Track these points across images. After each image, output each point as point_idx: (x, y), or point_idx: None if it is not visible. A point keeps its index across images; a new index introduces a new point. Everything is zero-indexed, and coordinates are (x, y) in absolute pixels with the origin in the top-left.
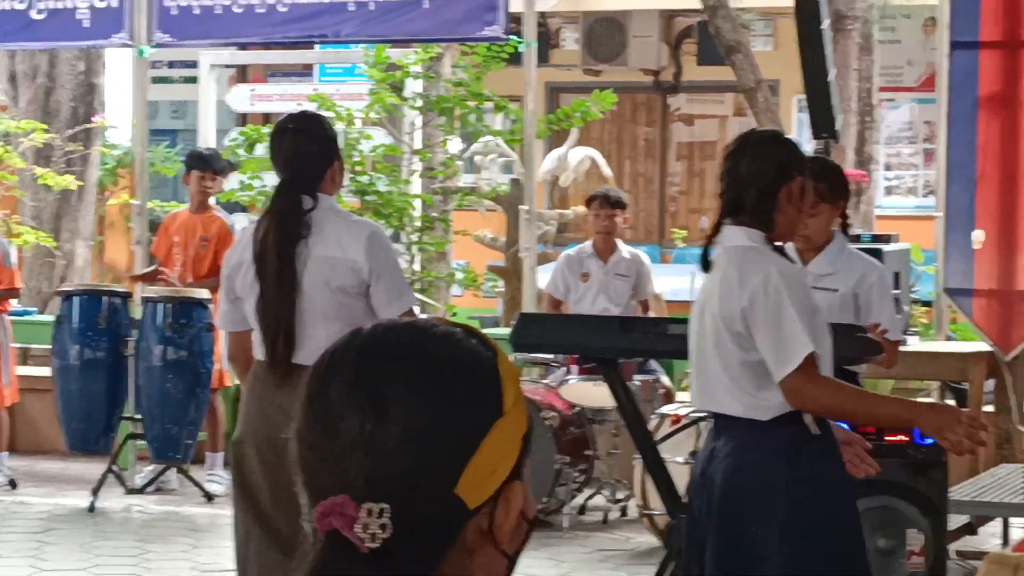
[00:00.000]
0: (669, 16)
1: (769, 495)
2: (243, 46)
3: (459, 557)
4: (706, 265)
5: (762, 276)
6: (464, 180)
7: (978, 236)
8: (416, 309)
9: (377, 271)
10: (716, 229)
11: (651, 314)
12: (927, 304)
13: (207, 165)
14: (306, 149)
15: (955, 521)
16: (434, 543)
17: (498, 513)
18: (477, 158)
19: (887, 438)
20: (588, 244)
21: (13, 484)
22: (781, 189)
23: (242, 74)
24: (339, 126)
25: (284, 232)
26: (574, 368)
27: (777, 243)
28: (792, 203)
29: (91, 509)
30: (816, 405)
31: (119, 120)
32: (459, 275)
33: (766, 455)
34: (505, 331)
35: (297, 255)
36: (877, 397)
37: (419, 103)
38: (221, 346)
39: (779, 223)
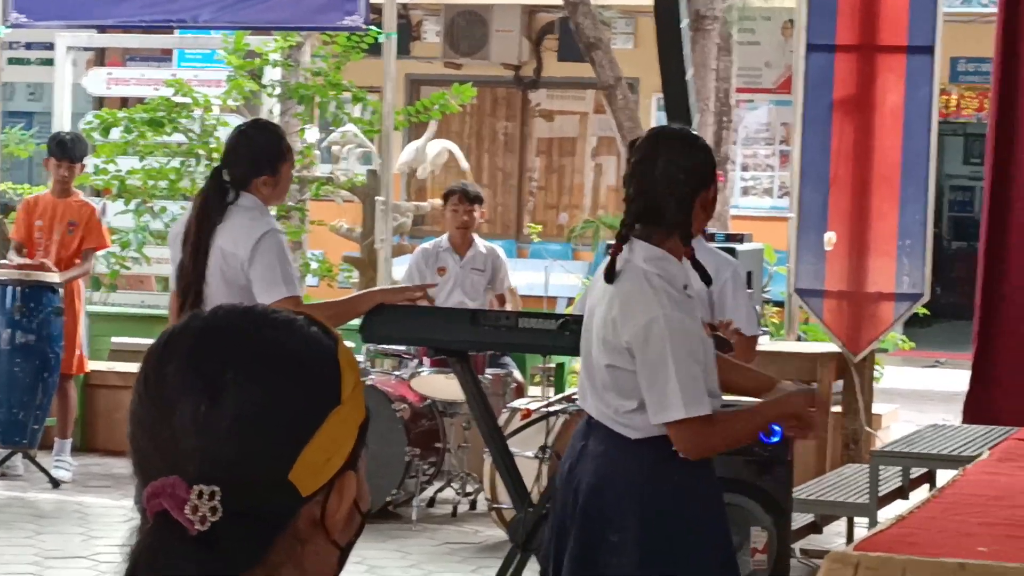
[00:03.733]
0: (531, 11)
1: (628, 511)
2: (101, 29)
3: (289, 545)
4: (611, 276)
5: (646, 320)
6: (321, 170)
7: (830, 238)
8: (293, 299)
9: (254, 263)
10: (624, 236)
11: (507, 308)
12: (779, 304)
13: (65, 153)
14: (239, 150)
15: (800, 520)
16: (264, 529)
17: (331, 503)
18: (335, 148)
19: None
20: (444, 238)
21: None
22: (698, 196)
23: (100, 57)
24: (196, 112)
25: (203, 213)
26: (426, 360)
27: (690, 257)
28: (704, 210)
29: None
30: (696, 450)
31: None
32: (314, 265)
33: (629, 472)
34: (357, 322)
35: (211, 237)
36: (746, 416)
37: (277, 91)
38: (81, 332)
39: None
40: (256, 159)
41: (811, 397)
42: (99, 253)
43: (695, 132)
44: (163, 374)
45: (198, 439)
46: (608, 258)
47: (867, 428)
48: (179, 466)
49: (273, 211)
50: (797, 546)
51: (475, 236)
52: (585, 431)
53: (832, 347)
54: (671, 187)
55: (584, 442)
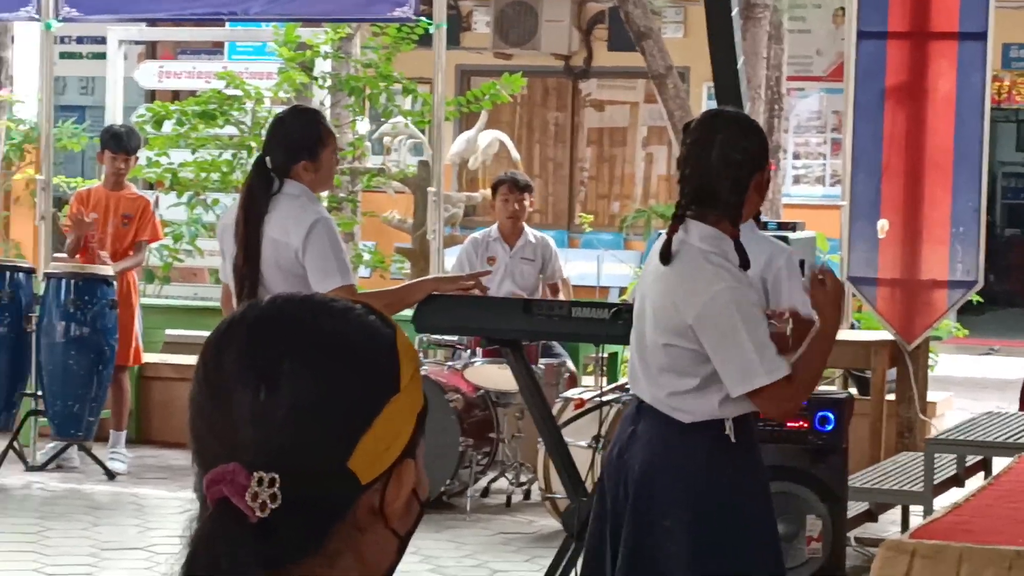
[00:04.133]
0: (580, 1)
1: (680, 496)
2: (152, 22)
3: (348, 534)
4: (667, 257)
5: (709, 296)
6: (372, 161)
7: (883, 225)
8: (347, 288)
9: (308, 253)
10: (679, 218)
11: (560, 298)
12: None
13: (120, 146)
14: (277, 137)
15: (855, 508)
16: (323, 517)
17: (390, 491)
18: (386, 139)
19: (788, 424)
20: (494, 228)
21: None
22: (753, 178)
23: (151, 51)
24: (248, 105)
25: (249, 205)
26: (479, 350)
27: (735, 237)
28: (758, 192)
29: None
30: (784, 413)
31: (26, 95)
32: (366, 256)
33: (683, 456)
34: (409, 311)
35: (260, 228)
36: (813, 355)
37: (328, 83)
38: (137, 324)
39: (743, 213)
40: (293, 145)
41: (831, 290)
42: (153, 245)
43: (747, 114)
44: (221, 362)
45: (256, 428)
46: (663, 239)
47: (921, 416)
48: (238, 454)
49: (325, 202)
50: (852, 534)
51: (525, 226)
52: (634, 416)
53: (886, 335)
54: (728, 168)
55: (633, 427)
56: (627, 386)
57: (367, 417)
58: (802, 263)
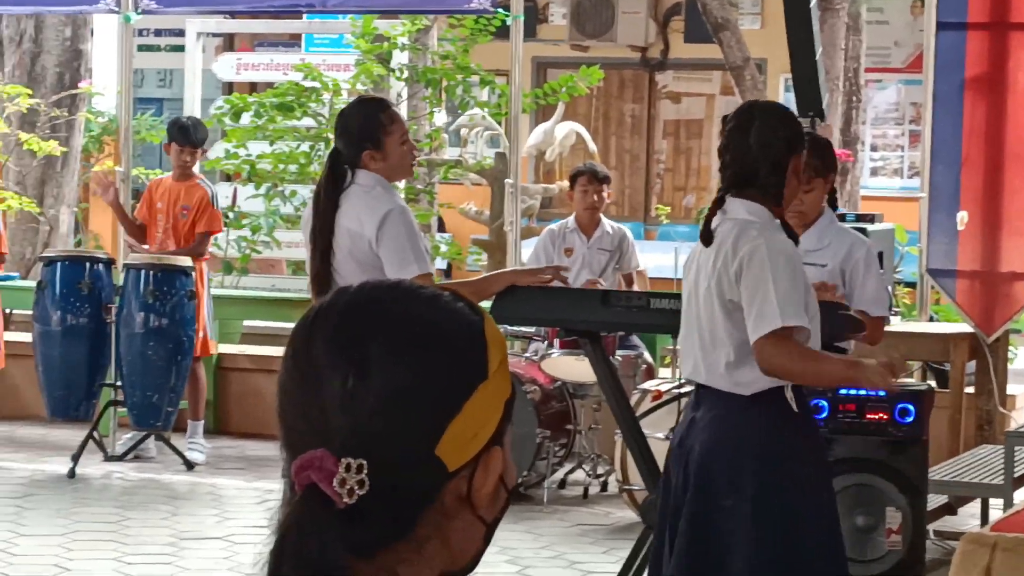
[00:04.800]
0: None
1: (744, 471)
2: (230, 15)
3: (436, 520)
4: (707, 238)
5: (751, 247)
6: (449, 153)
7: (962, 217)
8: (425, 276)
9: (383, 243)
10: (719, 202)
11: (635, 289)
12: (910, 285)
13: (186, 139)
14: (342, 128)
15: (934, 501)
16: (411, 503)
17: (477, 477)
18: (463, 131)
19: (867, 416)
20: (571, 219)
21: None
22: (791, 162)
23: (229, 43)
24: (325, 96)
25: (322, 198)
26: (556, 342)
27: (780, 217)
28: (796, 176)
29: (71, 475)
30: (775, 366)
31: (105, 87)
32: (443, 248)
33: (744, 431)
34: (487, 303)
35: (333, 218)
36: (840, 363)
37: (405, 75)
38: (205, 314)
39: (784, 196)
40: (356, 134)
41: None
42: (231, 237)
43: (783, 105)
44: (311, 349)
45: (345, 414)
46: (703, 223)
47: (1001, 409)
48: (327, 440)
49: (402, 193)
50: (931, 527)
51: (602, 217)
52: (694, 403)
53: (965, 328)
54: (766, 151)
55: (693, 414)
56: None
57: (455, 404)
58: (880, 255)
